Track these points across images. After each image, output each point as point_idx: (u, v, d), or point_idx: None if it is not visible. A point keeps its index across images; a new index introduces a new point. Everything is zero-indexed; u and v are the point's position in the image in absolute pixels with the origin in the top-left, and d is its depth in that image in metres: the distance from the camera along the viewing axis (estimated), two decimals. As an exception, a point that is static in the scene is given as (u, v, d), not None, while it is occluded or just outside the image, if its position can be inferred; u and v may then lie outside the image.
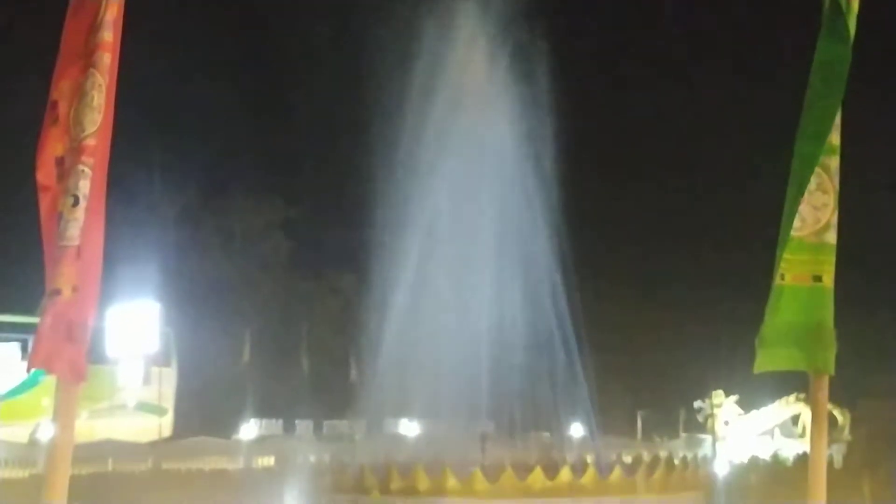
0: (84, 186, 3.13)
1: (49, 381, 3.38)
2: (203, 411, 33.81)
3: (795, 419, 33.87)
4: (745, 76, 45.04)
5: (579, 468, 11.55)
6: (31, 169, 3.25)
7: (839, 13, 4.02)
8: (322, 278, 39.76)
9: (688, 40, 49.69)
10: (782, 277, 4.12)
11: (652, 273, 43.20)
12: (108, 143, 3.27)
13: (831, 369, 4.16)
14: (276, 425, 34.69)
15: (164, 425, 32.54)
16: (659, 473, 11.86)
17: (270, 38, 42.11)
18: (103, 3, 3.22)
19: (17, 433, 26.95)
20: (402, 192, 17.91)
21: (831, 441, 19.94)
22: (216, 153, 42.65)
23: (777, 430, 34.49)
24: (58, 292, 3.13)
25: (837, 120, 4.14)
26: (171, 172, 37.00)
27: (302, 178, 40.26)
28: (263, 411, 34.99)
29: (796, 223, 4.08)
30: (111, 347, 31.22)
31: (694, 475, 13.00)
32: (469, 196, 17.88)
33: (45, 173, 3.24)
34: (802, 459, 18.93)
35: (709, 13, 47.74)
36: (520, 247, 17.70)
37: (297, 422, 34.55)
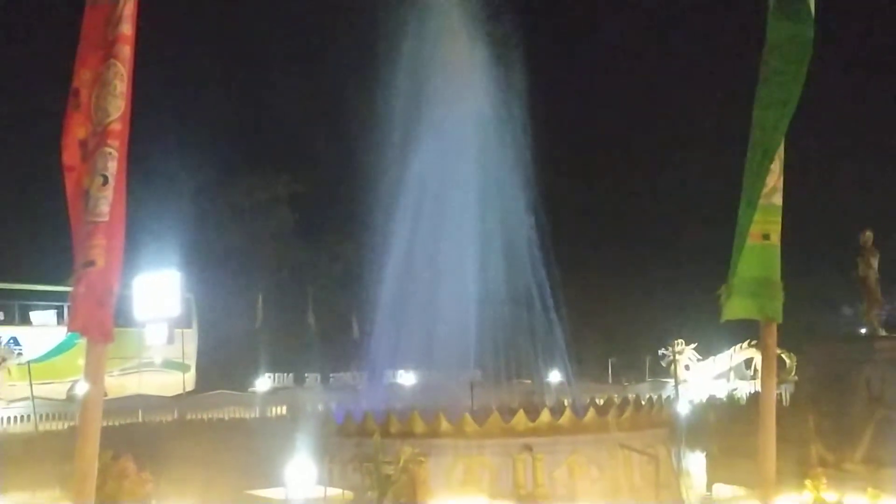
0: (112, 167, 3.12)
1: (83, 342, 3.37)
2: (221, 367, 33.88)
3: (748, 363, 34.11)
4: (707, 55, 44.86)
5: (557, 410, 11.60)
6: (53, 151, 3.23)
7: None
8: (324, 246, 39.78)
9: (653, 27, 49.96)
10: (744, 234, 4.12)
11: (621, 238, 43.39)
12: (127, 126, 3.25)
13: (779, 318, 4.18)
14: (287, 378, 34.84)
15: (187, 380, 32.66)
16: (628, 413, 11.91)
17: (277, 33, 41.84)
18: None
19: (56, 390, 27.01)
20: (395, 169, 17.91)
21: (780, 381, 20.08)
22: (228, 136, 42.85)
23: (732, 373, 34.73)
24: (91, 263, 3.12)
25: (798, 95, 4.10)
26: (188, 154, 36.84)
27: (305, 157, 40.29)
28: (275, 366, 35.13)
29: (746, 188, 4.08)
30: (139, 312, 31.38)
31: (659, 414, 13.07)
32: (456, 171, 17.88)
33: (69, 154, 3.22)
34: (755, 398, 19.07)
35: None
36: (501, 215, 17.72)
37: (306, 375, 34.72)
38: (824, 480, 6.75)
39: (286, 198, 42.79)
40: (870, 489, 7.00)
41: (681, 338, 33.84)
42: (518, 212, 18.03)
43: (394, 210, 17.94)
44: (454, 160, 17.90)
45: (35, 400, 23.41)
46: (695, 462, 14.06)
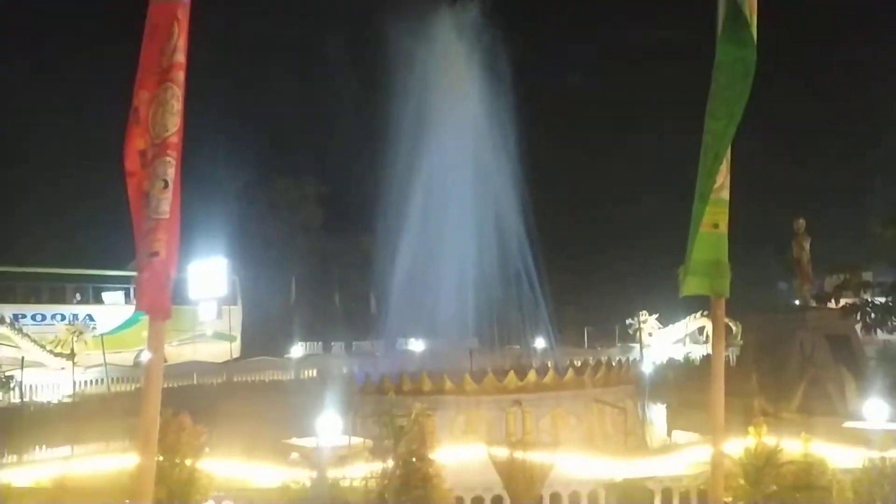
0: (171, 173, 3.14)
1: (146, 319, 3.40)
2: (262, 338, 33.98)
3: (701, 330, 34.27)
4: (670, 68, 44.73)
5: (542, 371, 11.62)
6: (115, 159, 3.25)
7: (744, 24, 3.96)
8: (347, 237, 39.76)
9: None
10: (697, 226, 4.13)
11: (597, 225, 43.56)
12: (182, 138, 3.26)
13: (727, 293, 4.17)
14: (316, 346, 34.91)
15: (233, 349, 32.85)
16: (601, 373, 11.93)
17: (306, 50, 41.99)
18: (175, 32, 3.20)
19: (125, 358, 27.14)
20: (406, 174, 18.01)
21: (728, 345, 20.13)
22: (267, 145, 43.11)
23: (687, 339, 34.86)
24: (155, 254, 3.14)
25: (743, 106, 4.10)
26: (234, 160, 36.96)
27: (331, 163, 40.61)
28: (307, 336, 35.24)
29: (699, 184, 4.09)
30: (193, 292, 31.66)
31: (627, 373, 13.10)
32: (456, 175, 17.94)
33: (130, 162, 3.24)
34: (706, 359, 19.06)
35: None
36: (495, 211, 17.79)
37: (332, 343, 34.77)
38: (765, 427, 6.75)
39: (315, 197, 43.04)
40: (803, 434, 7.00)
41: (645, 310, 33.96)
42: (509, 208, 18.11)
43: (405, 207, 18.02)
44: (454, 167, 17.99)
45: (107, 366, 23.50)
46: (657, 413, 14.11)
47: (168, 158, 3.13)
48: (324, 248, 41.92)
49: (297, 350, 31.57)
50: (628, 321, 34.70)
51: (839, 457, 6.83)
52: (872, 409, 7.07)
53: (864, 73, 45.10)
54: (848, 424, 7.71)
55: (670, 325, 35.53)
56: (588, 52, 52.63)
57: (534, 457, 6.37)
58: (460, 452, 6.65)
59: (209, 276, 32.26)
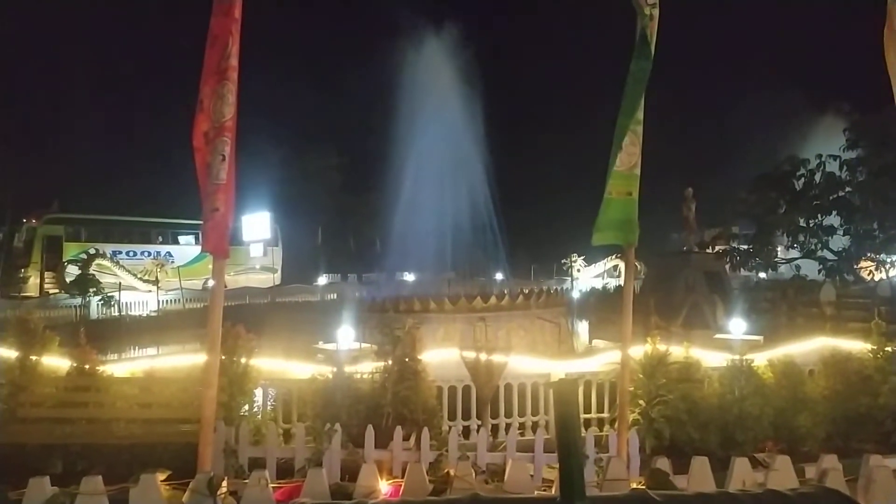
0: (227, 150, 3.08)
1: (210, 256, 3.36)
2: (297, 270, 33.98)
3: (615, 268, 34.60)
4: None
5: (501, 296, 11.67)
6: (188, 138, 3.18)
7: (645, 41, 3.90)
8: (360, 196, 39.51)
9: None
10: (610, 193, 4.11)
11: (542, 189, 43.32)
12: (236, 123, 3.18)
13: (635, 242, 4.19)
14: (336, 277, 34.93)
15: (275, 278, 32.77)
16: (543, 298, 12.01)
17: (331, 55, 41.25)
18: (230, 42, 3.12)
19: (196, 284, 27.06)
20: (402, 149, 17.89)
21: (635, 279, 20.39)
22: (301, 124, 43.24)
23: (605, 274, 35.20)
24: (216, 209, 3.10)
25: (642, 103, 4.06)
26: (276, 137, 36.70)
27: (348, 139, 40.54)
28: (329, 269, 35.26)
29: (619, 163, 4.04)
30: (246, 236, 31.63)
31: (560, 298, 13.20)
32: (439, 148, 17.80)
33: (197, 140, 3.18)
34: (619, 289, 19.29)
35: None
36: (467, 175, 17.73)
37: (348, 275, 34.75)
38: (658, 338, 6.84)
39: (336, 165, 42.84)
40: (685, 342, 7.12)
41: (575, 252, 34.20)
42: (478, 175, 18.06)
43: (402, 173, 17.93)
44: (438, 144, 17.84)
45: (182, 290, 23.45)
46: (582, 327, 14.26)
47: (225, 138, 3.08)
48: (342, 204, 41.83)
49: (322, 279, 31.63)
50: (563, 261, 34.98)
51: (710, 359, 6.96)
52: (734, 325, 7.21)
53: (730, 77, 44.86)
54: (717, 336, 7.86)
55: (593, 265, 35.83)
56: (538, 53, 51.67)
57: (493, 358, 6.44)
58: (440, 354, 6.70)
59: (257, 225, 32.14)
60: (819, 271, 14.85)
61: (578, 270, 34.74)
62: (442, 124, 17.91)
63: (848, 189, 14.41)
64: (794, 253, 15.28)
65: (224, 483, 2.58)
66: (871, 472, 3.11)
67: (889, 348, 6.88)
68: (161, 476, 2.88)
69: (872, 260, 14.62)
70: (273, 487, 2.96)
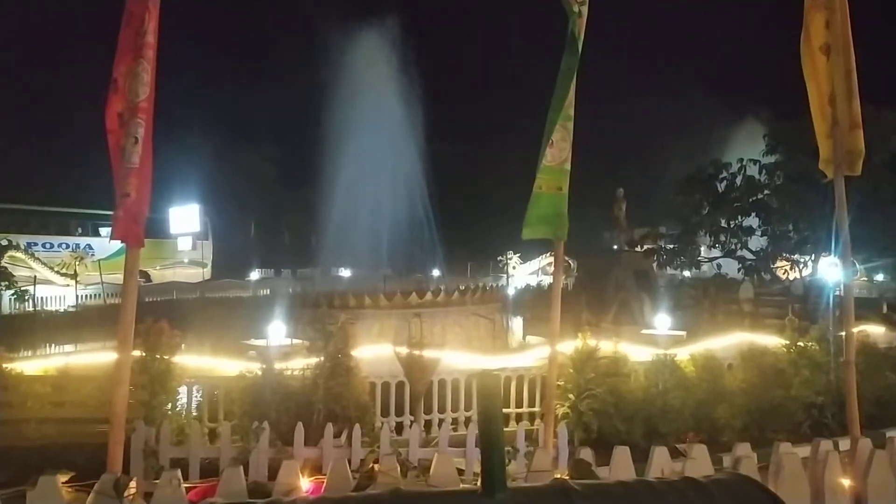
0: (140, 132, 2.93)
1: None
2: (228, 265, 33.01)
3: (549, 264, 35.27)
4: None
5: (437, 292, 11.69)
6: (101, 119, 3.02)
7: (574, 38, 3.94)
8: (295, 190, 38.79)
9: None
10: (540, 188, 4.11)
11: (477, 187, 43.54)
12: (152, 104, 3.03)
13: (565, 237, 4.21)
14: (269, 272, 34.12)
15: (205, 273, 31.71)
16: (478, 294, 12.10)
17: (272, 46, 40.25)
18: (146, 18, 2.97)
19: (118, 278, 25.76)
20: (338, 143, 17.64)
21: (566, 276, 20.84)
22: (235, 115, 41.66)
23: (539, 272, 35.86)
24: (127, 195, 2.94)
25: (572, 99, 4.08)
26: (209, 127, 35.72)
27: (284, 133, 39.67)
28: (263, 264, 34.47)
29: (548, 158, 4.04)
30: (173, 229, 30.37)
31: (496, 294, 13.36)
32: (375, 144, 17.67)
33: (111, 122, 3.02)
34: (551, 286, 19.64)
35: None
36: (403, 169, 17.70)
37: (282, 270, 34.02)
38: (588, 333, 6.99)
39: (270, 158, 42.05)
40: (613, 338, 7.30)
41: (510, 250, 34.65)
42: (414, 172, 18.03)
43: (337, 168, 17.70)
44: (374, 139, 17.73)
45: (104, 284, 22.47)
46: (516, 323, 14.45)
47: (139, 120, 2.93)
48: (276, 198, 40.89)
49: (255, 274, 30.82)
50: (499, 258, 35.37)
51: (637, 353, 7.16)
52: (660, 321, 7.47)
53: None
54: (644, 331, 8.12)
55: (528, 262, 36.41)
56: (470, 50, 52.00)
57: (427, 354, 6.42)
58: (374, 350, 6.63)
59: (186, 217, 30.98)
60: (738, 270, 15.53)
61: (514, 267, 35.20)
62: (379, 120, 17.82)
63: (766, 192, 15.12)
64: (716, 252, 15.91)
65: (133, 484, 2.44)
66: (780, 459, 3.28)
67: (801, 343, 7.28)
68: (63, 478, 2.71)
69: (788, 259, 15.41)
70: (188, 487, 2.83)
